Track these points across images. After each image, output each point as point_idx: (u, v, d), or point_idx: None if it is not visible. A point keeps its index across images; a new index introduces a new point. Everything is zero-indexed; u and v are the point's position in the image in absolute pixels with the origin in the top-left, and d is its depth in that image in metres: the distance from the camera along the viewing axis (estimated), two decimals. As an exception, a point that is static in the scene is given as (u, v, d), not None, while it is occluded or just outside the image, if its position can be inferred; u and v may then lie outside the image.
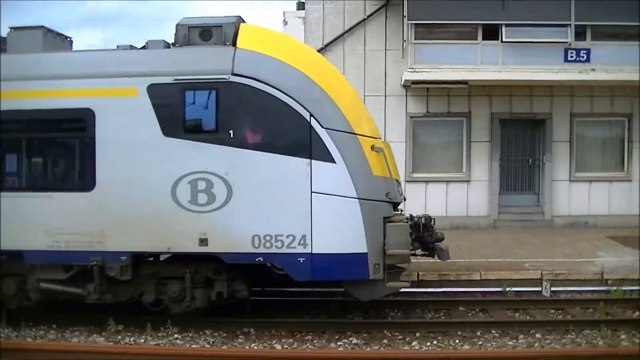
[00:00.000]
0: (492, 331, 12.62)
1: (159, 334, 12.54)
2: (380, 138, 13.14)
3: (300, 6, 28.63)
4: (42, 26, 13.31)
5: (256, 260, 12.10)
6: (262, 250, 12.04)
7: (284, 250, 12.03)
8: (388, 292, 12.87)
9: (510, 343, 11.98)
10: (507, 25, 22.32)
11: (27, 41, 13.02)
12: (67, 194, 12.44)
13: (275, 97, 12.10)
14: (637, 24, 22.22)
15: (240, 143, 12.06)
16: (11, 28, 13.30)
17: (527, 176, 24.63)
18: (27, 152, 12.75)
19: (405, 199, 13.22)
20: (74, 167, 12.83)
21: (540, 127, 24.34)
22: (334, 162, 12.06)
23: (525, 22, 22.34)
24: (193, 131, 12.19)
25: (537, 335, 12.37)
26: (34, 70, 12.55)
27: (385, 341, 12.21)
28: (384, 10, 23.71)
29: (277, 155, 12.07)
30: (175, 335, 12.45)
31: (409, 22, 22.49)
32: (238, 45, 12.48)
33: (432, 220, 13.02)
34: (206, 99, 12.25)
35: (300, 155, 12.02)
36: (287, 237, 12.02)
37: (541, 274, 15.72)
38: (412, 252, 12.91)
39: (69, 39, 14.04)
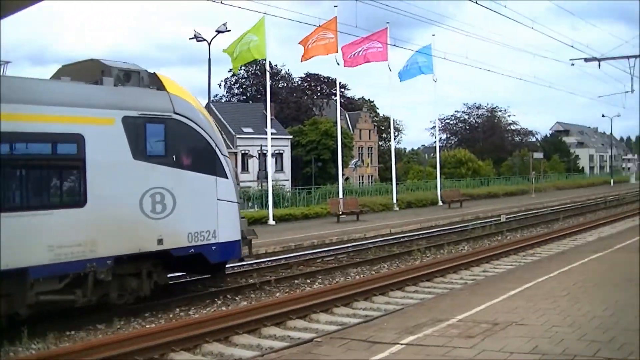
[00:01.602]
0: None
1: None
2: None
3: None
4: None
5: (190, 252, 16.75)
6: (193, 243, 16.73)
7: (204, 242, 16.98)
8: None
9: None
10: None
11: None
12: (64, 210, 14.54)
13: (198, 131, 17.16)
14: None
15: (181, 165, 16.67)
16: None
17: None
18: (27, 173, 14.47)
19: None
20: (68, 185, 15.08)
21: None
22: (227, 177, 17.83)
23: None
24: (153, 155, 16.12)
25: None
26: (30, 95, 14.27)
27: None
28: None
29: (199, 173, 17.07)
30: None
31: None
32: (169, 90, 16.90)
33: None
34: (159, 130, 16.28)
35: (211, 174, 17.40)
36: (206, 232, 17.03)
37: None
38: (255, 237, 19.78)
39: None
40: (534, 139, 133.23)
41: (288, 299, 16.86)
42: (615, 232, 31.65)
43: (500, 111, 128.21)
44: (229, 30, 41.33)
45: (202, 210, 16.95)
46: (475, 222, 38.26)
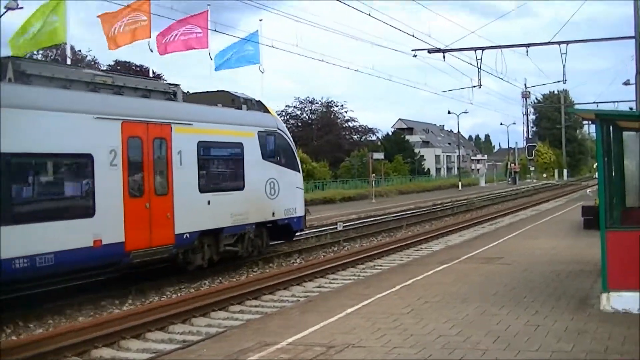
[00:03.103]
0: None
1: None
2: None
3: None
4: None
5: (285, 222, 28.28)
6: (286, 216, 28.22)
7: (290, 215, 28.59)
8: None
9: None
10: None
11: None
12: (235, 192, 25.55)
13: (287, 140, 29.28)
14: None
15: (281, 163, 28.24)
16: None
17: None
18: (220, 167, 26.10)
19: None
20: (237, 176, 26.04)
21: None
22: (300, 172, 30.37)
23: None
24: (269, 156, 27.40)
25: None
26: (220, 118, 25.62)
27: None
28: None
29: (289, 169, 28.83)
30: None
31: None
32: (271, 112, 28.96)
33: None
34: (271, 140, 27.67)
35: (293, 169, 29.33)
36: (291, 208, 28.60)
37: None
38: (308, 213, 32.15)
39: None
40: (374, 138, 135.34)
41: (92, 324, 16.51)
42: (463, 241, 32.96)
43: (337, 106, 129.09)
44: (21, 8, 40.09)
45: (290, 194, 28.48)
46: (307, 231, 38.67)
